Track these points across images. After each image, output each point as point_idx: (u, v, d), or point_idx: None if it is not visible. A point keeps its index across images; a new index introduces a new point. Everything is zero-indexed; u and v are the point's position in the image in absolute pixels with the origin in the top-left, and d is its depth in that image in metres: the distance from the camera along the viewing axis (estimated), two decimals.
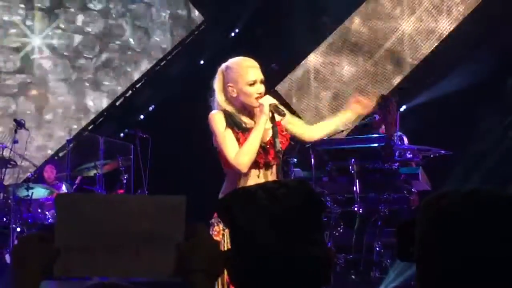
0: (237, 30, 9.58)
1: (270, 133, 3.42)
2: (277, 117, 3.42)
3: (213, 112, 3.42)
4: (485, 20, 8.39)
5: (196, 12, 9.98)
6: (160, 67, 9.94)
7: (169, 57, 9.98)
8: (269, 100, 3.38)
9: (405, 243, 1.30)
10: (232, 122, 3.39)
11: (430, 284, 1.22)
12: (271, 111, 3.35)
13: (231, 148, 3.33)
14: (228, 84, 3.41)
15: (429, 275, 1.21)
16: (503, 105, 7.87)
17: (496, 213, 1.20)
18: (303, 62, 9.45)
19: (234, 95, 3.40)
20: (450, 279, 1.19)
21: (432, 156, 5.94)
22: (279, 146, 3.33)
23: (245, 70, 3.39)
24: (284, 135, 3.52)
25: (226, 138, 3.34)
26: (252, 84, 3.37)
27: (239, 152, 3.31)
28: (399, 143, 6.00)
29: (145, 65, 9.99)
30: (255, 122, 3.41)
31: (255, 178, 3.39)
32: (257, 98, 3.37)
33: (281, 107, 3.40)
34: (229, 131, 3.36)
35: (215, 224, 3.37)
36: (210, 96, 3.51)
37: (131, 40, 9.96)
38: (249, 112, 3.46)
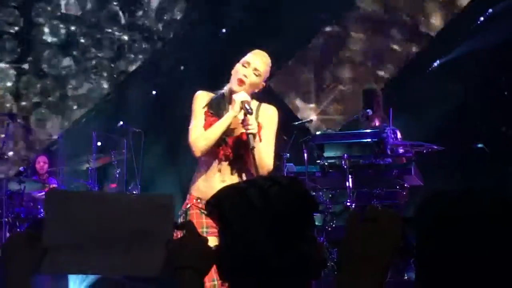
0: (228, 27, 9.54)
1: (240, 128, 3.39)
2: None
3: (199, 91, 3.50)
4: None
5: (188, 9, 9.94)
6: (154, 61, 9.90)
7: (162, 52, 9.94)
8: (242, 96, 3.38)
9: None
10: (215, 104, 3.44)
11: (431, 283, 1.21)
12: (241, 107, 3.35)
13: (196, 129, 3.39)
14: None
15: (429, 275, 1.21)
16: (498, 102, 7.89)
17: (495, 214, 1.19)
18: None
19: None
20: (451, 279, 1.18)
21: (424, 151, 5.94)
22: (252, 143, 3.29)
23: (250, 55, 3.49)
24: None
25: (197, 118, 3.42)
26: (245, 65, 3.43)
27: (198, 136, 3.37)
28: (392, 136, 5.98)
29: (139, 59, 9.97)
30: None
31: (215, 171, 3.39)
32: (239, 80, 3.40)
33: (250, 106, 3.33)
34: (203, 113, 3.42)
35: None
36: None
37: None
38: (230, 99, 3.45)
